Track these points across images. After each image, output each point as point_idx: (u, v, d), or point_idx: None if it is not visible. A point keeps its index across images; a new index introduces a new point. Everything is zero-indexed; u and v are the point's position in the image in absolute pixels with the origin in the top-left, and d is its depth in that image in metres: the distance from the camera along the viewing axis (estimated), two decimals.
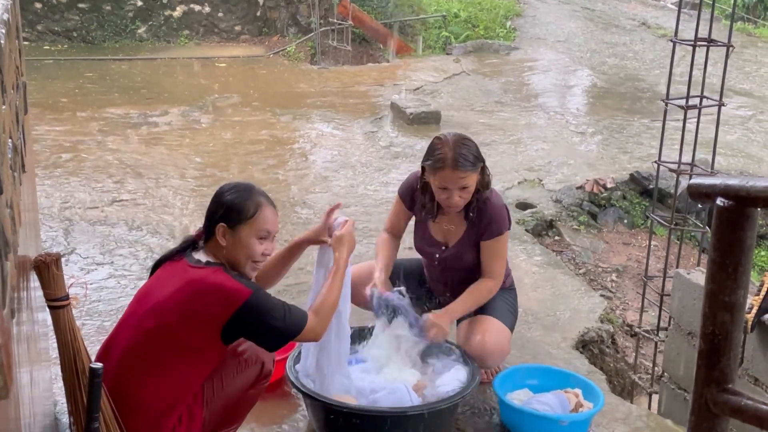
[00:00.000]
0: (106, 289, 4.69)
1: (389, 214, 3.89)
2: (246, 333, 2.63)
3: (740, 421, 1.77)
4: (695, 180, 1.73)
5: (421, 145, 7.83)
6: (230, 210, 2.68)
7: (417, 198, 3.66)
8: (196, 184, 6.45)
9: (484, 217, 3.52)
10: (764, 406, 1.58)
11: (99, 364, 2.31)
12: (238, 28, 12.63)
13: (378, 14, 12.62)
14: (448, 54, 12.26)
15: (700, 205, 5.86)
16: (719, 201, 1.62)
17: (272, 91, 9.90)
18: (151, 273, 2.80)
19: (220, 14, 12.54)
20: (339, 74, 10.90)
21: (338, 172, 7.02)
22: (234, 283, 2.57)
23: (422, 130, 8.26)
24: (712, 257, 1.69)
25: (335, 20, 11.92)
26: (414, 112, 8.43)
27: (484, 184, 3.47)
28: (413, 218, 3.81)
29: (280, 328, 2.62)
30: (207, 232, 2.73)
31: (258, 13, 12.70)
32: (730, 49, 4.00)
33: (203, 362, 2.65)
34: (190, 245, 2.75)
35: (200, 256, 2.70)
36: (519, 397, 3.64)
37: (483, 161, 3.44)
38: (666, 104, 4.22)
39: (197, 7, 12.47)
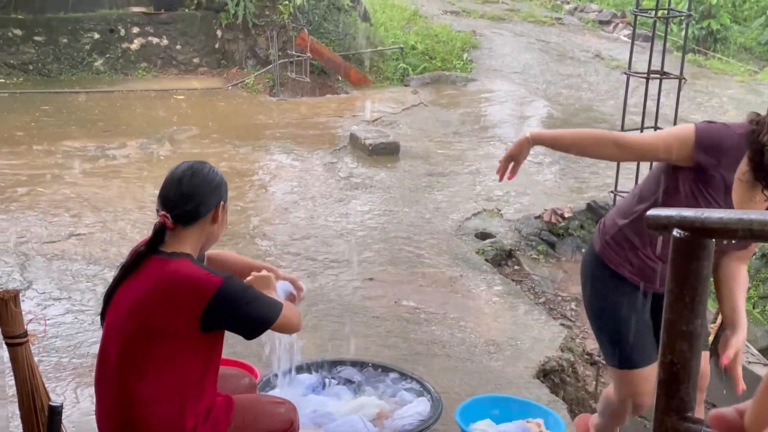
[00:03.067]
0: (63, 324, 4.62)
1: (648, 135, 2.94)
2: (224, 321, 2.60)
3: None
4: (652, 212, 1.76)
5: (380, 176, 7.87)
6: (225, 187, 2.72)
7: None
8: (155, 217, 6.39)
9: None
10: None
11: (58, 402, 2.28)
12: (196, 60, 12.61)
13: (336, 46, 12.69)
14: (406, 85, 12.37)
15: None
16: (675, 232, 1.66)
17: (231, 123, 9.89)
18: (119, 275, 2.74)
19: (178, 47, 12.52)
20: (298, 106, 10.93)
21: (298, 203, 7.02)
22: (205, 273, 2.58)
23: (381, 161, 8.30)
24: (670, 287, 1.73)
25: (294, 52, 11.97)
26: (373, 143, 8.47)
27: None
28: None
29: (255, 314, 2.61)
30: (193, 215, 2.66)
31: (216, 46, 12.70)
32: (682, 81, 4.10)
33: (192, 350, 2.62)
34: (160, 236, 2.69)
35: (166, 247, 2.66)
36: (481, 428, 3.66)
37: None
38: None
39: (155, 40, 12.44)
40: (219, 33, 12.65)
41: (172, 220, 2.63)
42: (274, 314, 2.66)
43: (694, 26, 14.80)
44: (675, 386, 1.74)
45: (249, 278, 2.82)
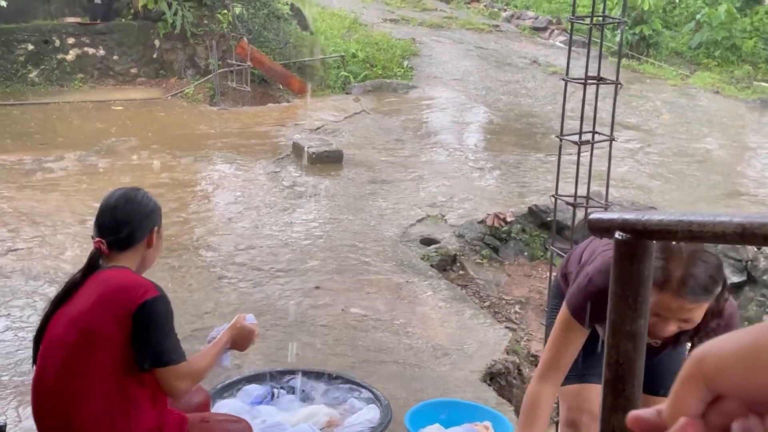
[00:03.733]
0: (3, 342, 4.52)
1: (549, 347, 2.59)
2: (144, 330, 2.55)
3: None
4: (595, 215, 1.81)
5: (324, 184, 7.87)
6: (159, 213, 2.76)
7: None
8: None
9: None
10: None
11: (1, 421, 2.23)
12: (134, 70, 12.46)
13: (277, 55, 12.66)
14: (347, 93, 12.39)
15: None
16: (617, 235, 1.70)
17: (171, 133, 9.79)
18: (51, 309, 2.68)
19: (115, 57, 12.35)
20: (239, 115, 10.87)
21: (242, 213, 6.98)
22: (148, 281, 2.61)
23: (325, 169, 8.31)
24: (613, 289, 1.77)
25: (234, 61, 11.90)
26: (316, 152, 8.47)
27: (716, 311, 2.48)
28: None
29: (164, 345, 2.57)
30: (128, 242, 2.67)
31: (154, 56, 12.56)
32: (619, 86, 4.19)
33: (124, 359, 2.57)
34: (95, 261, 2.69)
35: (105, 262, 2.69)
36: None
37: (723, 284, 2.42)
38: (560, 140, 4.38)
39: (91, 50, 12.25)
40: (157, 43, 12.52)
41: (107, 246, 2.67)
42: (181, 357, 2.61)
43: (627, 32, 15.12)
44: (621, 386, 1.78)
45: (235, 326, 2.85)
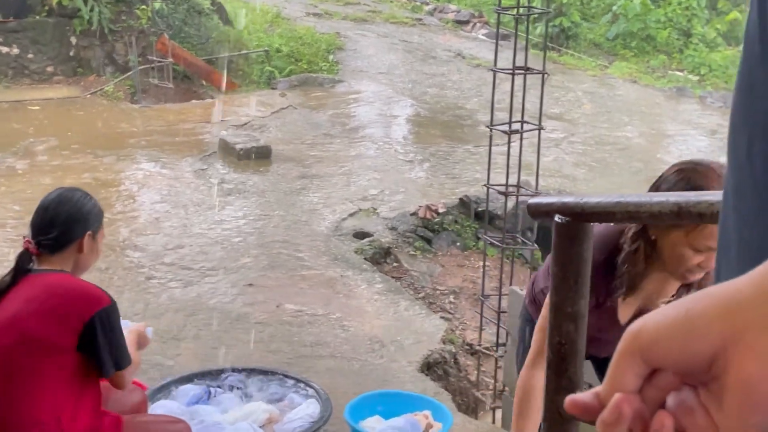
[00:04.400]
0: None
1: (537, 331, 2.34)
2: (98, 341, 2.52)
3: (590, 423, 1.88)
4: (534, 200, 1.83)
5: (253, 180, 7.80)
6: (95, 217, 2.68)
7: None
8: (16, 233, 6.10)
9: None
10: None
11: None
12: (50, 69, 12.12)
13: (199, 51, 12.48)
14: (273, 88, 12.29)
15: (537, 222, 6.15)
16: (557, 218, 1.73)
17: (92, 132, 9.56)
18: None
19: (30, 55, 11.99)
20: (162, 112, 10.68)
21: (170, 212, 6.86)
22: (97, 288, 2.56)
23: (253, 165, 8.23)
24: (554, 271, 1.80)
25: (154, 58, 11.68)
26: (244, 148, 8.38)
27: None
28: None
29: (120, 351, 2.57)
30: (58, 244, 2.62)
31: (71, 53, 12.24)
32: (546, 75, 4.26)
33: (69, 366, 2.54)
34: (24, 261, 2.62)
35: (44, 267, 2.61)
36: (371, 425, 3.68)
37: None
38: (491, 130, 4.43)
39: (5, 49, 11.87)
40: (73, 40, 12.20)
41: (38, 247, 2.61)
42: (128, 360, 2.64)
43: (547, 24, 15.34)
44: (563, 366, 1.81)
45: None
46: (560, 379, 1.80)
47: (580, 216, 1.70)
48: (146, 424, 2.79)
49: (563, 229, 1.73)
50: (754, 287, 0.56)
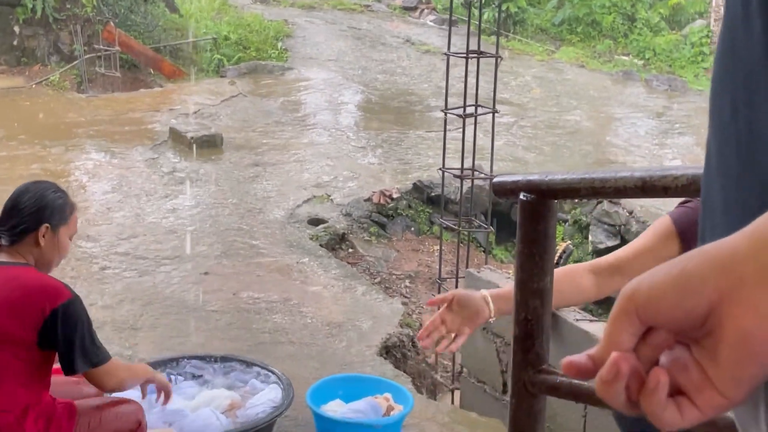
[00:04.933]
0: None
1: (623, 248, 2.34)
2: (59, 336, 2.50)
3: (557, 397, 1.92)
4: (499, 178, 1.86)
5: (206, 169, 7.74)
6: (55, 210, 2.62)
7: None
8: None
9: None
10: (577, 381, 1.73)
11: None
12: None
13: (146, 39, 12.31)
14: (222, 76, 12.19)
15: (490, 206, 6.21)
16: (522, 196, 1.76)
17: (39, 122, 9.38)
18: None
19: None
20: (110, 102, 10.52)
21: (122, 202, 6.78)
22: (58, 282, 2.53)
23: (205, 153, 8.16)
24: (520, 249, 1.82)
25: (101, 46, 11.49)
26: (195, 136, 8.30)
27: None
28: None
29: (89, 346, 2.54)
30: (17, 234, 2.58)
31: (15, 42, 11.98)
32: (499, 59, 4.30)
33: (25, 359, 2.51)
34: None
35: (4, 259, 2.57)
36: (332, 409, 3.70)
37: None
38: (445, 114, 4.46)
39: None
40: (17, 29, 11.94)
41: None
42: (104, 358, 2.61)
43: (494, 9, 15.45)
44: (530, 342, 1.84)
45: None
46: (527, 355, 1.84)
47: (545, 193, 1.73)
48: (99, 410, 2.76)
49: (528, 206, 1.76)
50: (747, 243, 0.59)
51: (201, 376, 3.66)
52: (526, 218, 1.77)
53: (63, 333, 2.48)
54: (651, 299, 0.62)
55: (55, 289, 2.50)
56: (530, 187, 1.74)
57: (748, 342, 0.58)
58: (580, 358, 0.68)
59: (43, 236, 2.59)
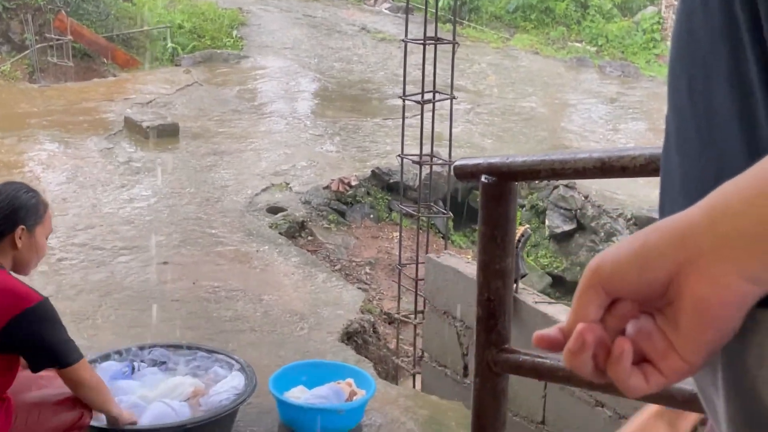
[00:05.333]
0: None
1: None
2: (24, 338, 2.49)
3: (520, 375, 1.96)
4: (460, 161, 1.88)
5: (162, 158, 7.67)
6: (29, 211, 2.59)
7: None
8: None
9: None
10: (540, 360, 1.77)
11: None
12: None
13: (98, 28, 12.13)
14: (177, 65, 12.06)
15: (449, 192, 6.25)
16: (484, 178, 1.79)
17: None
18: None
19: None
20: (63, 92, 10.36)
21: (77, 192, 6.70)
22: (24, 287, 2.52)
23: (161, 143, 8.09)
24: (482, 230, 1.86)
25: (53, 36, 11.30)
26: (151, 126, 8.22)
27: None
28: None
29: (58, 346, 2.53)
30: None
31: None
32: (456, 45, 4.33)
33: None
34: None
35: None
36: (296, 395, 3.72)
37: None
38: (403, 101, 4.48)
39: None
40: None
41: None
42: (74, 358, 2.60)
43: None
44: (493, 321, 1.88)
45: None
46: (490, 335, 1.87)
47: (506, 175, 1.76)
48: (38, 406, 2.72)
49: (490, 188, 1.78)
50: (703, 215, 0.62)
51: (164, 363, 3.65)
52: (488, 201, 1.80)
53: (31, 334, 2.47)
54: (614, 272, 0.65)
55: (22, 294, 2.48)
56: (491, 169, 1.77)
57: (706, 309, 0.61)
58: (551, 331, 0.70)
59: (20, 238, 2.55)
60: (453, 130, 7.92)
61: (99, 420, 2.91)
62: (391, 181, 6.91)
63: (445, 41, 4.40)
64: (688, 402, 1.43)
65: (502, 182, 1.77)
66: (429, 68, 4.64)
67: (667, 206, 0.76)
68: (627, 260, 0.65)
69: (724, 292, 0.60)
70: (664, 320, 0.63)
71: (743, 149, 0.64)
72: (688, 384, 1.49)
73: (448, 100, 4.78)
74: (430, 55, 4.51)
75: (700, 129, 0.72)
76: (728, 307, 0.60)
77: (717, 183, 0.62)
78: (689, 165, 0.73)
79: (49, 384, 3.00)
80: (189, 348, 3.80)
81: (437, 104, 4.81)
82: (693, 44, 0.71)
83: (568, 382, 2.72)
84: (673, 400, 1.44)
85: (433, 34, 4.58)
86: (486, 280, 1.87)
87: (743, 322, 0.62)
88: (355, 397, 3.70)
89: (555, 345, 0.70)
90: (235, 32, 13.63)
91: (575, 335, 0.67)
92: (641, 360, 0.66)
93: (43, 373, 2.94)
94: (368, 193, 6.89)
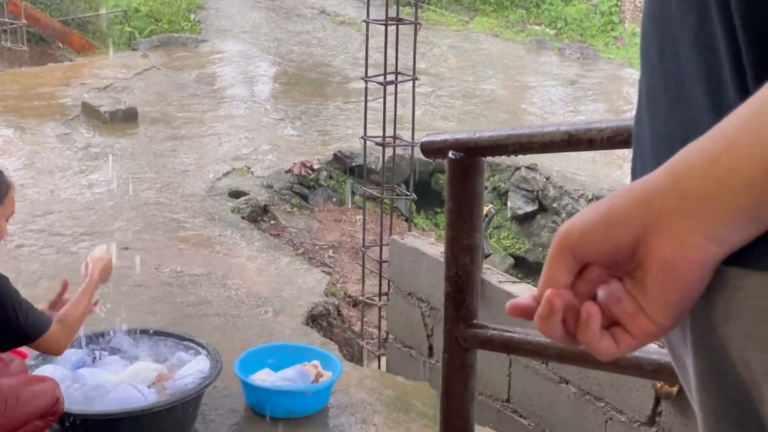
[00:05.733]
0: None
1: None
2: None
3: (489, 350, 1.98)
4: (427, 137, 1.88)
5: (121, 143, 7.57)
6: None
7: None
8: None
9: None
10: (508, 334, 1.78)
11: None
12: None
13: (53, 11, 11.92)
14: (134, 50, 11.90)
15: (412, 174, 6.26)
16: (451, 154, 1.79)
17: None
18: None
19: None
20: (17, 77, 10.16)
21: (35, 178, 6.59)
22: None
23: (120, 128, 7.98)
24: (450, 207, 1.86)
25: (6, 20, 11.08)
26: (109, 111, 8.11)
27: None
28: None
29: (19, 324, 2.49)
30: None
31: None
32: (418, 26, 4.32)
33: None
34: None
35: None
36: (261, 378, 3.71)
37: None
38: (366, 82, 4.47)
39: None
40: None
41: None
42: (39, 331, 2.58)
43: None
44: (461, 297, 1.89)
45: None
46: (458, 310, 1.88)
47: (473, 151, 1.77)
48: (15, 389, 2.71)
49: (457, 164, 1.79)
50: (666, 177, 0.62)
51: (127, 350, 3.61)
52: (455, 176, 1.81)
53: None
54: (582, 236, 0.65)
55: None
56: (459, 145, 1.77)
57: (672, 270, 0.61)
58: (524, 299, 0.71)
59: None
60: (415, 112, 7.93)
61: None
62: (353, 164, 6.90)
63: (407, 21, 4.40)
64: (657, 371, 1.45)
65: (469, 158, 1.78)
66: (391, 50, 4.62)
67: (638, 167, 0.76)
68: (594, 225, 0.65)
69: (687, 252, 0.61)
70: (633, 283, 0.64)
71: (709, 109, 0.65)
72: (656, 354, 1.51)
73: (410, 82, 4.78)
74: (392, 37, 4.50)
75: (669, 90, 0.72)
76: (692, 266, 0.61)
77: (685, 143, 0.63)
78: (659, 125, 0.74)
79: (22, 369, 2.98)
80: (152, 333, 3.77)
81: (399, 87, 4.81)
82: (664, 8, 0.72)
83: (537, 356, 2.76)
84: (641, 369, 1.46)
85: (397, 14, 4.58)
86: (454, 255, 1.88)
87: (709, 281, 0.63)
88: (321, 379, 3.70)
89: (527, 313, 0.71)
90: (192, 16, 13.48)
91: (544, 301, 0.67)
92: (613, 324, 0.66)
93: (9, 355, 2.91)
94: (330, 177, 6.87)
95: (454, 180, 1.80)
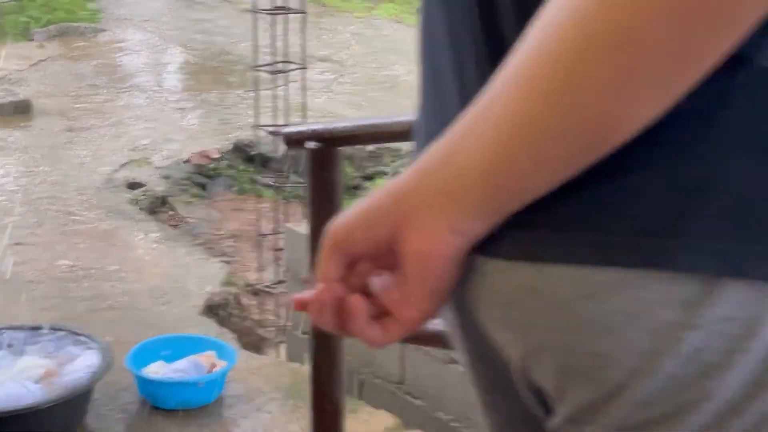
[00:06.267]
0: None
1: None
2: None
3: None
4: (288, 129, 1.94)
5: (14, 136, 7.38)
6: None
7: None
8: None
9: None
10: None
11: None
12: None
13: None
14: (30, 40, 11.54)
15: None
16: (309, 144, 1.85)
17: None
18: None
19: None
20: None
21: None
22: None
23: (13, 121, 7.76)
24: (310, 197, 1.92)
25: None
26: (1, 103, 7.88)
27: None
28: None
29: None
30: None
31: None
32: (305, 15, 4.36)
33: None
34: None
35: None
36: (154, 370, 3.70)
37: None
38: (256, 71, 4.49)
39: None
40: None
41: None
42: None
43: None
44: None
45: None
46: None
47: (330, 141, 1.83)
48: None
49: (315, 155, 1.85)
50: (415, 174, 0.68)
51: (12, 346, 3.55)
52: (314, 167, 1.86)
53: None
54: (346, 233, 0.71)
55: None
56: (315, 136, 1.83)
57: (423, 262, 0.67)
58: (306, 293, 0.76)
59: None
60: (317, 100, 7.98)
61: None
62: (253, 153, 6.88)
63: (294, 11, 4.42)
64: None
65: (326, 148, 1.84)
66: (294, 39, 4.65)
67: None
68: (355, 221, 0.71)
69: (435, 245, 0.67)
70: (398, 274, 0.70)
71: (458, 104, 0.71)
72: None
73: (310, 71, 4.81)
74: (292, 25, 4.53)
75: (432, 86, 0.79)
76: (440, 258, 0.67)
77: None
78: (427, 120, 0.80)
79: None
80: (41, 329, 3.72)
81: (301, 75, 4.84)
82: (426, 7, 0.78)
83: (417, 343, 2.84)
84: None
85: (294, 5, 4.61)
86: (317, 245, 1.94)
87: (464, 269, 0.69)
88: (215, 369, 3.71)
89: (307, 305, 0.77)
90: (90, 4, 13.15)
91: (315, 295, 0.73)
92: (385, 312, 0.72)
93: None
94: (230, 166, 6.84)
95: (314, 170, 1.86)
